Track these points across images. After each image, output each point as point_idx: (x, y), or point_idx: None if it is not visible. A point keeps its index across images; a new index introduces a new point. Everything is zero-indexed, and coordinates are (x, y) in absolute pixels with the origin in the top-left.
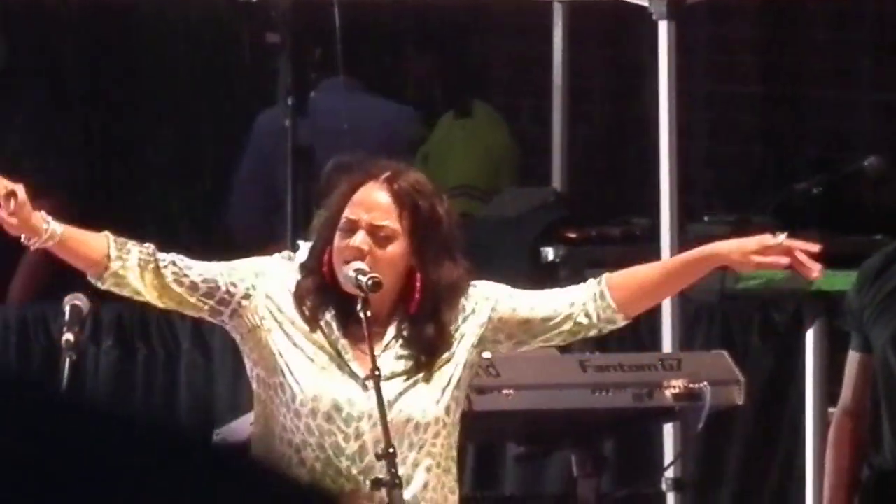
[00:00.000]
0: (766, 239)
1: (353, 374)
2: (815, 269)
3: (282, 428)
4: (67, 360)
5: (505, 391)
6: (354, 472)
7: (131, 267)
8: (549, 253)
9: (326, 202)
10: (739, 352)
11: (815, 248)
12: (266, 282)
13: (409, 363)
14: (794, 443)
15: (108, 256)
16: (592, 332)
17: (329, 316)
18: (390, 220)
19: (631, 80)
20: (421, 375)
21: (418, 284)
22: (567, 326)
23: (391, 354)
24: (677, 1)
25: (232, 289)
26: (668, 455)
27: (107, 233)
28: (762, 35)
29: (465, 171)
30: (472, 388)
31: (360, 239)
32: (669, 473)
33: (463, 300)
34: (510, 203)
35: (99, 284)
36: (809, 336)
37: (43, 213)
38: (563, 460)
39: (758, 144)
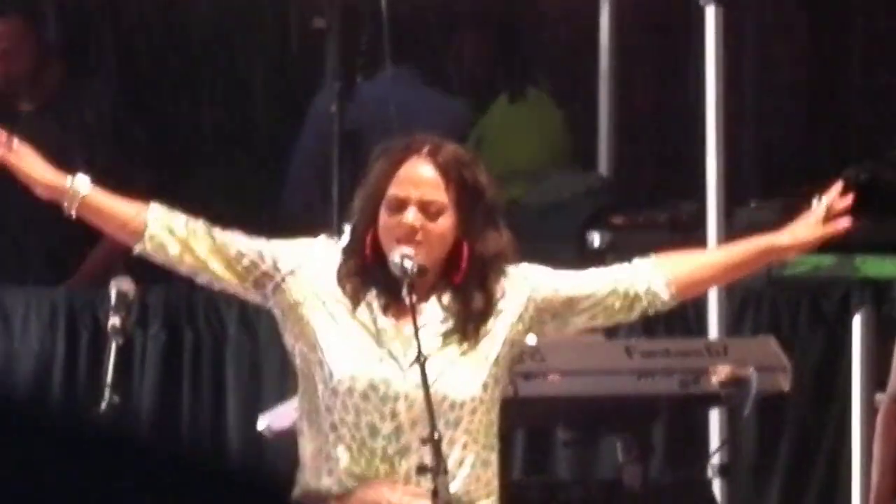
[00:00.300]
0: (809, 219)
1: (391, 355)
2: (844, 221)
3: (321, 405)
4: (114, 344)
5: (551, 377)
6: (390, 452)
7: (177, 229)
8: (596, 238)
9: (365, 182)
10: (786, 338)
11: (847, 200)
12: (311, 261)
13: (448, 339)
14: (841, 430)
15: (149, 219)
16: (636, 311)
17: (370, 296)
18: (439, 194)
19: (678, 66)
20: (458, 352)
21: (465, 255)
22: (611, 301)
23: (429, 331)
24: None
25: (278, 263)
26: (715, 441)
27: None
28: (810, 21)
29: (522, 156)
30: (517, 373)
31: (413, 216)
32: (715, 460)
33: (503, 279)
34: (557, 188)
35: (138, 247)
36: (856, 322)
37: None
38: (613, 446)
39: (805, 130)
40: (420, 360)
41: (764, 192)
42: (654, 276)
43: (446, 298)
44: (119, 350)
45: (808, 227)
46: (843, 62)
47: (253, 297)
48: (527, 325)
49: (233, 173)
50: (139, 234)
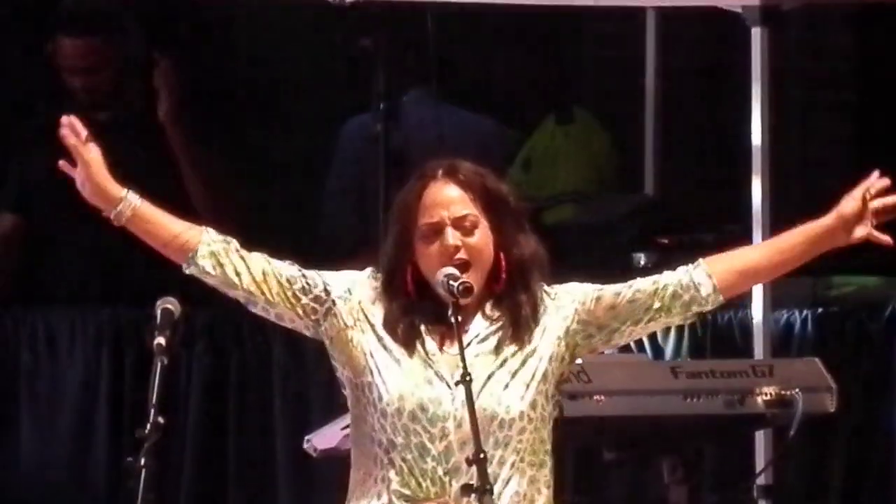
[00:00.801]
0: (852, 195)
1: (439, 375)
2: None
3: (371, 428)
4: (159, 364)
5: (596, 397)
6: (440, 472)
7: (230, 252)
8: (642, 258)
9: (390, 226)
10: (832, 359)
11: (886, 181)
12: (361, 286)
13: (499, 354)
14: (889, 452)
15: (203, 240)
16: (680, 309)
17: (421, 327)
18: (469, 208)
19: (724, 86)
20: (507, 371)
21: (503, 262)
22: (653, 302)
23: (479, 349)
24: (771, 7)
25: (329, 287)
26: (760, 462)
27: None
28: (857, 41)
29: (572, 178)
30: (563, 393)
31: (451, 236)
32: (761, 480)
33: (547, 296)
34: (603, 208)
35: (188, 267)
36: None
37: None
38: (659, 466)
39: (852, 152)
40: (465, 379)
41: (809, 213)
42: (695, 271)
43: (491, 310)
44: (164, 370)
45: (851, 201)
46: (890, 81)
47: (304, 324)
48: (574, 341)
49: (275, 199)
50: (189, 253)
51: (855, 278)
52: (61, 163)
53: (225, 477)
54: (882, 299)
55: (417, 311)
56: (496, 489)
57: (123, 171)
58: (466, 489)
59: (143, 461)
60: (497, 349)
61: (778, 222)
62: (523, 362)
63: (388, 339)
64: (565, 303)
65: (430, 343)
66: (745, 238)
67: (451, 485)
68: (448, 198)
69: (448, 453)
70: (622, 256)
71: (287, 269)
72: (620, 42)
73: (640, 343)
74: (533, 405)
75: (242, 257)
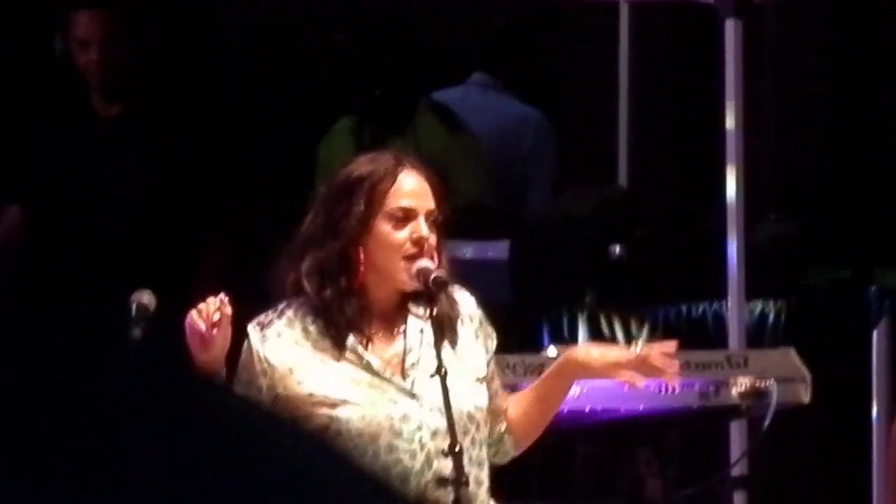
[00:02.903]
0: (624, 354)
1: (399, 389)
2: (672, 370)
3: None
4: None
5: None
6: (423, 483)
7: None
8: (615, 250)
9: (334, 197)
10: (806, 350)
11: (672, 347)
12: (272, 351)
13: (437, 353)
14: (860, 442)
15: None
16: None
17: (351, 340)
18: (436, 204)
19: (697, 80)
20: (454, 369)
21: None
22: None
23: (421, 353)
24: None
25: (271, 384)
26: (735, 453)
27: None
28: (831, 35)
29: (473, 189)
30: None
31: (425, 227)
32: (736, 471)
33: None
34: (575, 201)
35: None
36: (876, 334)
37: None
38: (634, 458)
39: (826, 145)
40: (440, 372)
41: (783, 207)
42: (506, 446)
43: (416, 308)
44: None
45: (617, 359)
46: (866, 76)
47: None
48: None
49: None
50: None
51: (829, 270)
52: (190, 319)
53: None
54: (855, 290)
55: (350, 303)
56: (481, 490)
57: (134, 171)
58: (441, 482)
59: None
60: (435, 345)
61: (752, 216)
62: (464, 360)
63: (333, 374)
64: (490, 348)
65: (374, 361)
66: (719, 231)
67: (435, 488)
68: (423, 188)
69: (429, 461)
70: (595, 249)
71: None
72: (594, 35)
73: (613, 334)
74: (487, 399)
75: None
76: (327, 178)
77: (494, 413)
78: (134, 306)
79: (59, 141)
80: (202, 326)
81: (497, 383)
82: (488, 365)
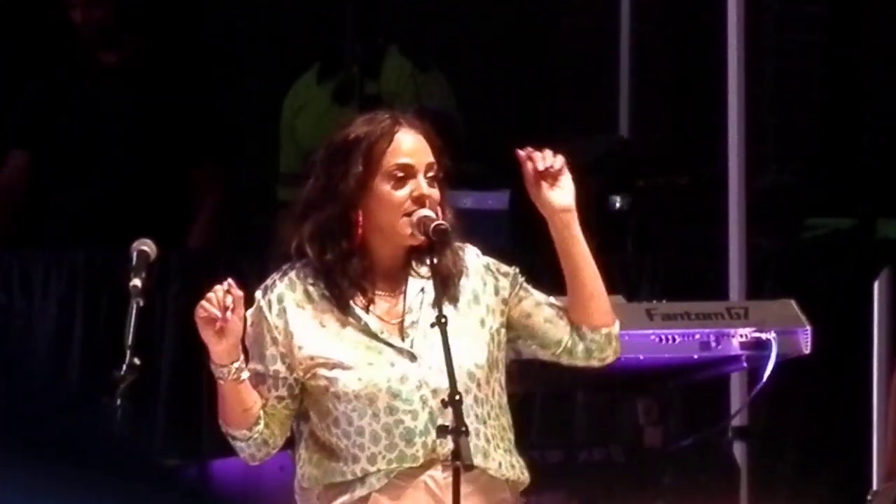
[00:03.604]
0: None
1: (398, 350)
2: (557, 161)
3: (346, 457)
4: (135, 305)
5: None
6: (429, 441)
7: (274, 423)
8: (617, 201)
9: (333, 160)
10: (807, 301)
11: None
12: (280, 318)
13: (437, 308)
14: (861, 392)
15: (260, 424)
16: (581, 358)
17: (351, 303)
18: (435, 158)
19: (699, 28)
20: (455, 324)
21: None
22: (567, 341)
23: (422, 309)
24: None
25: (286, 359)
26: (735, 403)
27: None
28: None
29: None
30: None
31: (426, 184)
32: (736, 422)
33: (465, 254)
34: (577, 150)
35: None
36: (877, 285)
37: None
38: (634, 408)
39: (826, 94)
40: (440, 321)
41: (784, 155)
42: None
43: (417, 266)
44: (139, 312)
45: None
46: (865, 26)
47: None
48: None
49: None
50: (251, 427)
51: (829, 220)
52: (201, 311)
53: (200, 417)
54: (856, 240)
55: (353, 264)
56: (479, 442)
57: (129, 117)
58: (442, 430)
59: (118, 402)
60: (434, 305)
61: (752, 164)
62: (465, 317)
63: (334, 335)
64: (504, 285)
65: (374, 322)
66: (720, 181)
67: (438, 446)
68: (421, 145)
69: (433, 419)
70: (598, 199)
71: (274, 395)
72: None
73: (613, 285)
74: (490, 353)
75: (280, 425)
76: (324, 140)
77: (555, 320)
78: (135, 255)
79: (60, 87)
80: (217, 314)
81: (535, 297)
82: (509, 299)
